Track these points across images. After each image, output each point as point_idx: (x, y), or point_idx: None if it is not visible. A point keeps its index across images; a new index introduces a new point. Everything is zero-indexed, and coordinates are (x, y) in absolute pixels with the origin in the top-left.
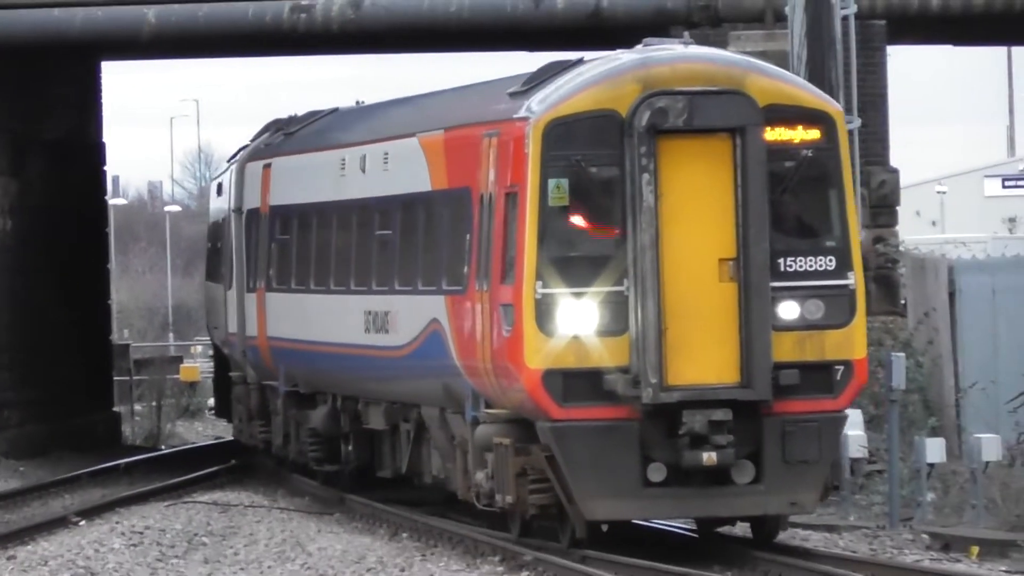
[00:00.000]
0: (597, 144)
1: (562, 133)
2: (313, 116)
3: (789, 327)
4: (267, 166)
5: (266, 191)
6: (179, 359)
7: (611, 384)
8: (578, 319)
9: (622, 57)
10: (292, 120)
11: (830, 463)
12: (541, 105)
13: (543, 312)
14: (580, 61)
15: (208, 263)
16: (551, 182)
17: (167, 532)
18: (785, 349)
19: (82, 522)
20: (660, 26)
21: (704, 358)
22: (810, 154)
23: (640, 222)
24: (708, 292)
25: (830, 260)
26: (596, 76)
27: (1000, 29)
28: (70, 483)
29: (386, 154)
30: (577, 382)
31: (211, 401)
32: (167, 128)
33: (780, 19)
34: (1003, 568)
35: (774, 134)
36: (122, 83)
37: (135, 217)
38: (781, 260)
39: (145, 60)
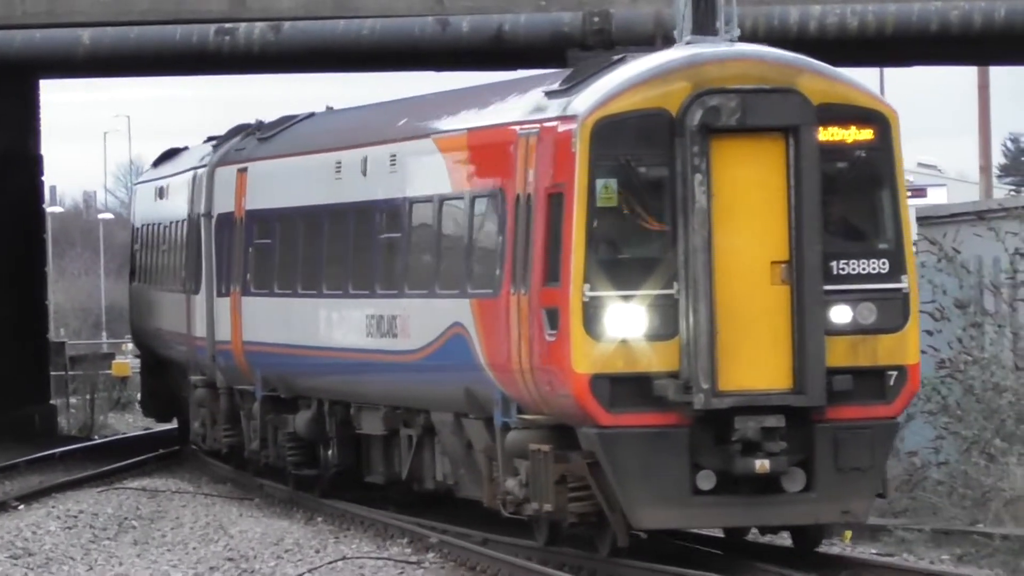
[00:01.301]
0: (646, 143)
1: (610, 132)
2: (287, 121)
3: (841, 331)
4: (242, 171)
5: (241, 195)
6: (111, 356)
7: (661, 389)
8: (627, 323)
9: (671, 55)
10: (263, 126)
11: (882, 471)
12: (588, 103)
13: (591, 315)
14: (622, 59)
15: (132, 265)
16: (599, 182)
17: (99, 516)
18: (837, 354)
19: (20, 506)
20: (557, 48)
21: (756, 363)
22: (863, 155)
23: (692, 223)
24: (760, 295)
25: (883, 263)
26: (645, 74)
27: (873, 51)
28: (9, 470)
29: (393, 156)
30: (625, 387)
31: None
32: (101, 142)
33: (669, 41)
34: (873, 551)
35: (827, 134)
36: (59, 100)
37: (71, 224)
38: (833, 263)
39: (80, 79)
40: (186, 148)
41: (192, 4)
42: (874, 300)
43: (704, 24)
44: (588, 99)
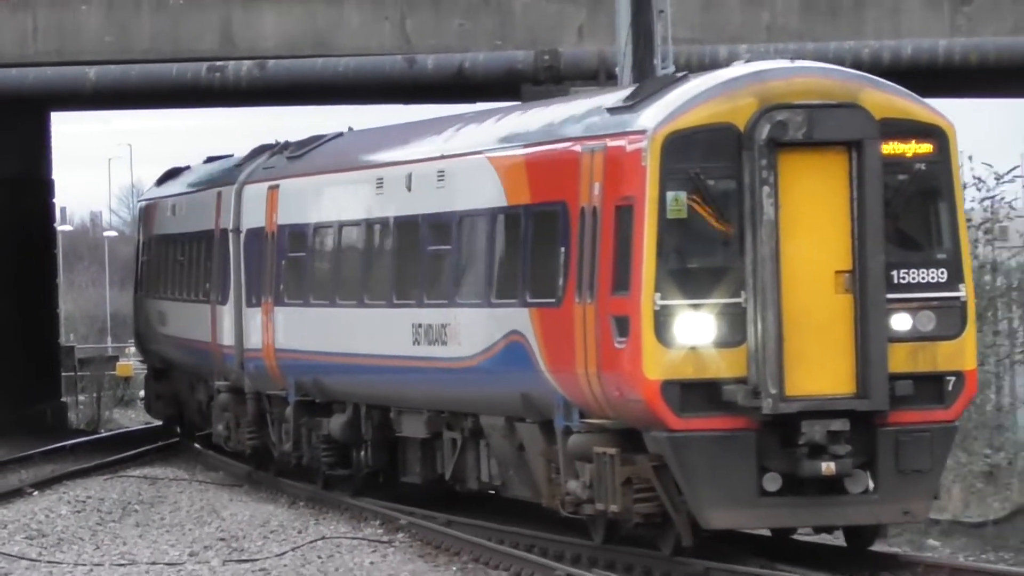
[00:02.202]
0: (714, 157)
1: (680, 146)
2: (315, 140)
3: (902, 338)
4: (273, 188)
5: (273, 211)
6: (116, 358)
7: (731, 395)
8: (696, 330)
9: (736, 72)
10: (289, 145)
11: (941, 473)
12: (658, 118)
13: (662, 323)
14: (685, 77)
15: (139, 277)
16: (669, 195)
17: (105, 501)
18: (898, 360)
19: (35, 493)
20: (512, 83)
21: (821, 369)
22: (923, 167)
23: (760, 234)
24: (824, 304)
25: (942, 272)
26: (712, 90)
27: None
28: (24, 460)
29: (441, 172)
30: (694, 392)
31: (142, 393)
32: (106, 167)
33: (611, 77)
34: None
35: (888, 147)
36: (68, 130)
37: (79, 241)
38: (894, 272)
39: (88, 111)
40: (188, 167)
41: (186, 44)
42: (933, 308)
43: (643, 61)
44: (657, 114)
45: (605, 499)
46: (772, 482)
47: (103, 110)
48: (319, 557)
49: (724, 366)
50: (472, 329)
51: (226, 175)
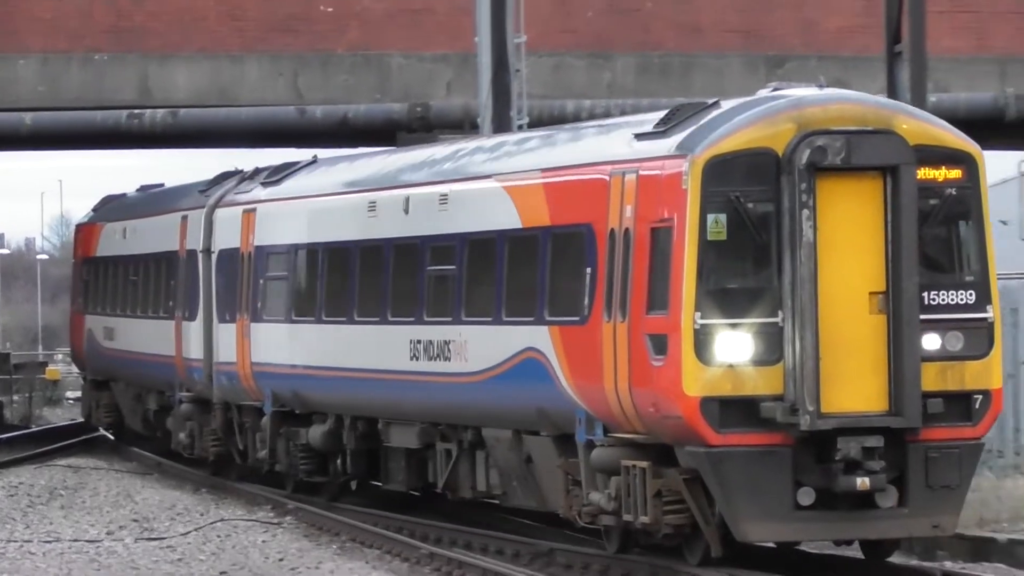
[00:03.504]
0: (753, 180)
1: (721, 170)
2: (289, 167)
3: (931, 358)
4: (249, 211)
5: (248, 233)
6: (45, 364)
7: (769, 411)
8: (734, 349)
9: (774, 99)
10: (260, 172)
11: (967, 488)
12: (698, 143)
13: (701, 342)
14: (716, 104)
15: (81, 295)
16: (710, 217)
17: (35, 486)
18: (928, 379)
19: None
20: (389, 131)
21: (855, 387)
22: (953, 192)
23: (799, 256)
24: (859, 324)
25: (970, 294)
26: (752, 116)
27: None
28: None
29: (443, 196)
30: (733, 409)
31: (68, 393)
32: (39, 199)
33: (474, 126)
34: None
35: (921, 173)
36: (7, 166)
37: (15, 263)
38: (924, 294)
39: (24, 151)
40: (124, 195)
41: (109, 94)
42: (962, 329)
43: (501, 113)
44: (697, 139)
45: (634, 510)
46: (806, 496)
47: (37, 150)
48: (218, 536)
49: (761, 383)
50: (479, 346)
51: (190, 200)
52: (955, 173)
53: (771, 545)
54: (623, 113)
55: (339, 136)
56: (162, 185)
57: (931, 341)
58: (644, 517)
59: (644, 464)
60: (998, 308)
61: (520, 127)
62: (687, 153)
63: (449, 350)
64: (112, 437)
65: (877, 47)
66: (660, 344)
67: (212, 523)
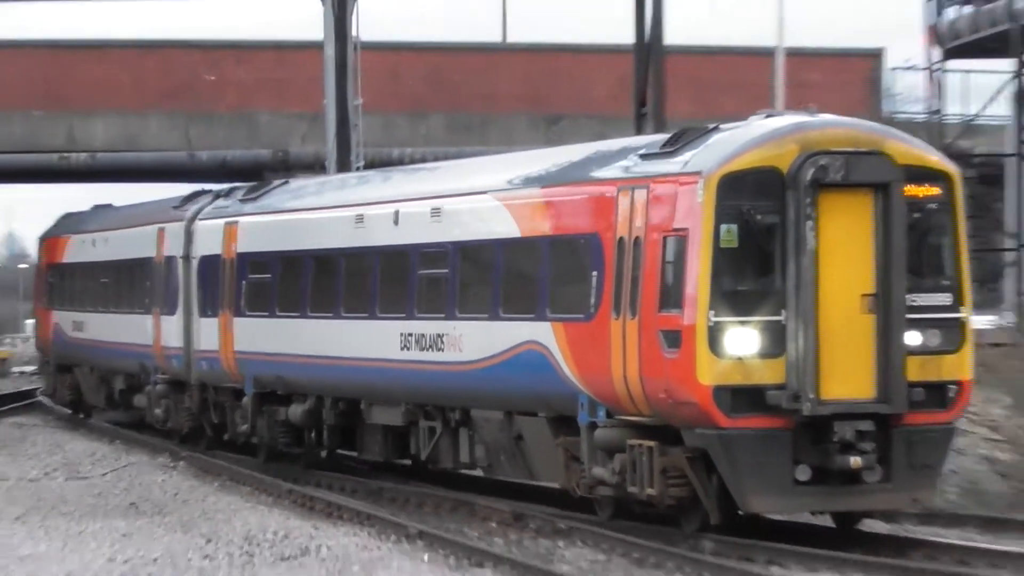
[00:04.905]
0: (761, 195)
1: (732, 185)
2: (263, 187)
3: (913, 352)
4: (231, 224)
5: (231, 242)
6: None
7: (775, 399)
8: (743, 343)
9: (778, 123)
10: (235, 191)
11: (942, 466)
12: (712, 161)
13: (714, 337)
14: (716, 129)
15: (46, 294)
16: (722, 227)
17: None
18: (911, 371)
19: None
20: (258, 171)
21: (849, 378)
22: (934, 207)
23: (803, 262)
24: (852, 322)
25: (947, 296)
26: (759, 138)
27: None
28: None
29: (435, 209)
30: (741, 396)
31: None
32: None
33: (323, 168)
34: None
35: (906, 189)
36: None
37: None
38: (907, 296)
39: None
40: (82, 212)
41: (45, 140)
42: (939, 327)
43: (344, 158)
44: (709, 158)
45: (640, 484)
46: (803, 473)
47: None
48: (129, 476)
49: (766, 374)
50: (476, 338)
51: (165, 215)
52: (935, 190)
53: (762, 516)
54: (436, 159)
55: (220, 174)
56: (110, 205)
57: (913, 337)
58: (650, 490)
59: (651, 443)
60: (970, 308)
61: (357, 168)
62: (701, 170)
63: (443, 342)
64: (70, 411)
65: (628, 110)
66: (673, 339)
67: (124, 466)
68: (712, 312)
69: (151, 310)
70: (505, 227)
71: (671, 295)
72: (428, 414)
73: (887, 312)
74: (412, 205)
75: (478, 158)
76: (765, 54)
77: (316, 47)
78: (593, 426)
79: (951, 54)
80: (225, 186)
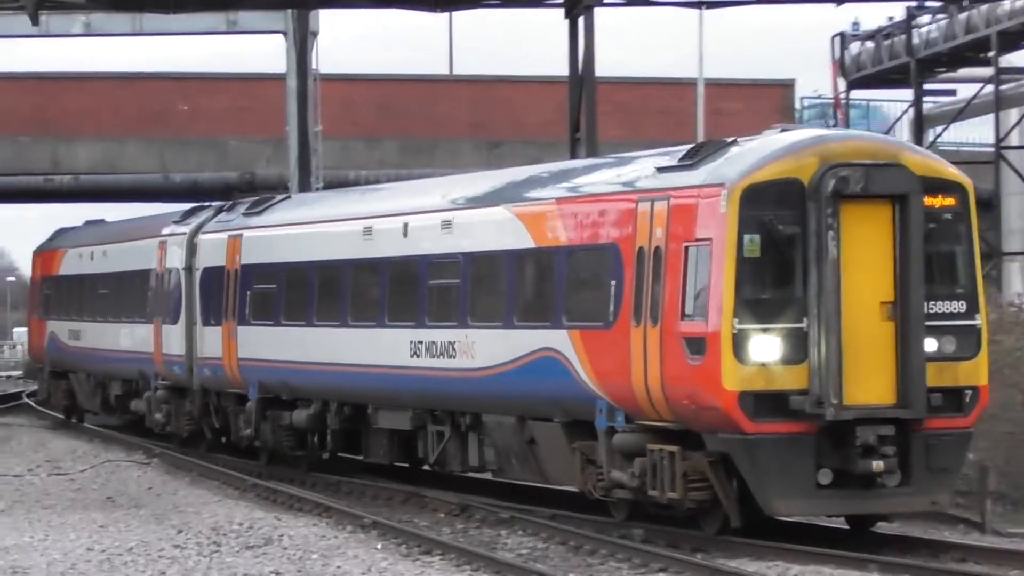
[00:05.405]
0: (783, 206)
1: (756, 197)
2: (265, 201)
3: (929, 358)
4: (234, 237)
5: (235, 254)
6: None
7: (798, 404)
8: (766, 350)
9: (798, 136)
10: (237, 205)
11: (960, 470)
12: (735, 174)
13: (738, 344)
14: (734, 142)
15: (41, 304)
16: (746, 237)
17: None
18: (928, 377)
19: None
20: (228, 191)
21: (869, 383)
22: (949, 217)
23: (825, 271)
24: (872, 329)
25: (961, 304)
26: (780, 151)
27: None
28: None
29: (446, 222)
30: (765, 402)
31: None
32: None
33: (286, 188)
34: None
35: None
36: None
37: None
38: (924, 303)
39: None
40: (75, 227)
41: (32, 163)
42: (954, 334)
43: (304, 179)
44: (732, 170)
45: (660, 487)
46: (824, 477)
47: None
48: (106, 471)
49: (789, 380)
50: (489, 345)
51: (167, 229)
52: (950, 200)
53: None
54: (388, 180)
55: (192, 194)
56: (103, 221)
57: (929, 344)
58: (672, 493)
59: (673, 448)
60: (986, 316)
61: (317, 189)
62: (724, 182)
63: (455, 349)
64: (63, 416)
65: (564, 135)
66: (697, 346)
67: (102, 463)
68: (736, 320)
69: (152, 319)
70: (518, 239)
71: (694, 303)
72: (437, 418)
73: (906, 319)
74: (422, 218)
75: (489, 172)
76: (687, 84)
77: (279, 79)
78: (612, 431)
79: (855, 85)
80: (226, 202)
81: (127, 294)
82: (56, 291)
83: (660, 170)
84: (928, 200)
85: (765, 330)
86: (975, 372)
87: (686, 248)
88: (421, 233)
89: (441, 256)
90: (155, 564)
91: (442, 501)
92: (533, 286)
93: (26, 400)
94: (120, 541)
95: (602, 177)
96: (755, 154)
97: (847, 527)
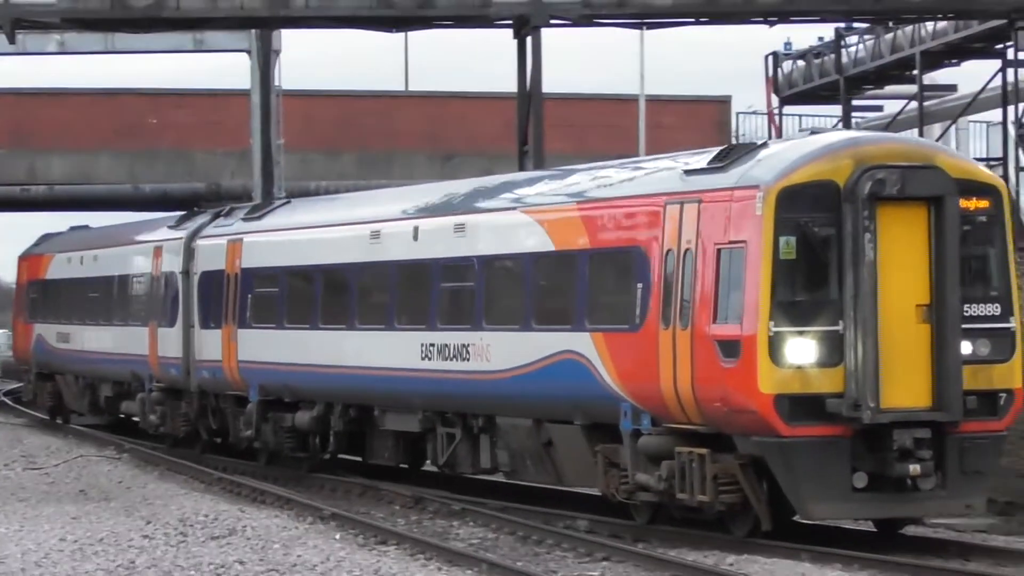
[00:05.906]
0: (818, 208)
1: (791, 198)
2: (264, 206)
3: (964, 361)
4: (234, 241)
5: (235, 258)
6: None
7: (835, 407)
8: (802, 353)
9: (834, 138)
10: (234, 210)
11: (994, 473)
12: (770, 176)
13: (774, 347)
14: (764, 145)
15: (27, 308)
16: (782, 239)
17: None
18: (963, 379)
19: None
20: (195, 200)
21: (905, 386)
22: (983, 219)
23: (862, 273)
24: (908, 331)
25: (996, 307)
26: (816, 152)
27: None
28: None
29: (460, 225)
30: (800, 405)
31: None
32: None
33: (250, 198)
34: None
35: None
36: None
37: None
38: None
39: None
40: (60, 232)
41: (9, 174)
42: (989, 336)
43: (268, 190)
44: (767, 172)
45: (690, 490)
46: (860, 480)
47: None
48: (79, 466)
49: (825, 383)
50: (506, 348)
51: (161, 234)
52: (984, 203)
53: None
54: (348, 190)
55: (161, 204)
56: (87, 227)
57: (964, 347)
58: (702, 496)
59: (703, 451)
60: (1020, 318)
61: (280, 199)
62: (759, 184)
63: (469, 352)
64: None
65: (513, 148)
66: (731, 349)
67: (75, 458)
68: (772, 323)
69: (147, 322)
70: (537, 242)
71: (728, 306)
72: (447, 421)
73: (942, 322)
74: (433, 221)
75: (502, 176)
76: (629, 100)
77: (244, 94)
78: (637, 433)
79: (788, 101)
80: (223, 207)
81: (120, 297)
82: (43, 294)
83: (688, 172)
84: (963, 203)
85: (801, 333)
86: (1009, 375)
87: (719, 250)
88: (432, 236)
89: (454, 259)
90: (125, 554)
91: (397, 494)
92: (553, 289)
93: (1, 398)
94: (92, 532)
95: (623, 179)
96: (789, 156)
97: (846, 528)
